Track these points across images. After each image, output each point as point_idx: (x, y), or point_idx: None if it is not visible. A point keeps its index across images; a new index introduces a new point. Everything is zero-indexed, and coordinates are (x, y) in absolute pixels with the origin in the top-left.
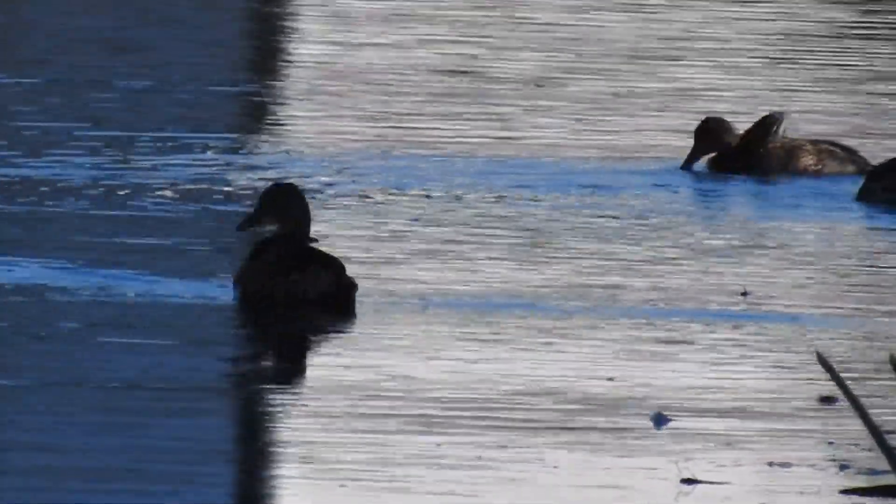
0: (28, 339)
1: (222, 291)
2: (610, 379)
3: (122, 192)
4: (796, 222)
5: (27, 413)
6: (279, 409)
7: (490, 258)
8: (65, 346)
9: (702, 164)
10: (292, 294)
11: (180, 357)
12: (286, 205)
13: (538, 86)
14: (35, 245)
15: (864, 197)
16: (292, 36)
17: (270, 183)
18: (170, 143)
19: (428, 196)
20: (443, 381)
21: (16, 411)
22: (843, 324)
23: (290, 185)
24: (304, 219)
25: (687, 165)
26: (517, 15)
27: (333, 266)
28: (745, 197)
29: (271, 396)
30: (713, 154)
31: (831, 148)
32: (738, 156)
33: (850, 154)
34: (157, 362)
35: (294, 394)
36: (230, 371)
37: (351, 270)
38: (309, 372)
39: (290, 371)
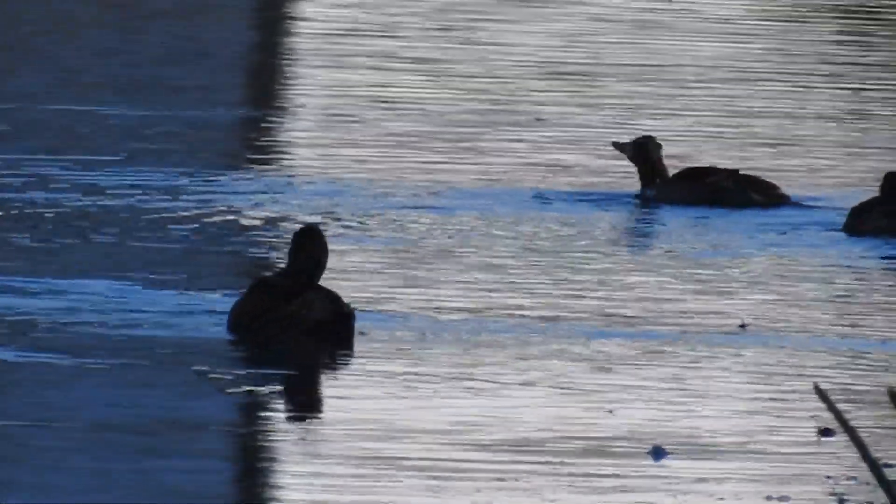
0: (22, 376)
1: (221, 325)
2: (610, 411)
3: (113, 224)
4: (784, 252)
5: (22, 452)
6: (278, 446)
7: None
8: (59, 382)
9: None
10: (289, 323)
11: (176, 394)
12: (308, 248)
13: (539, 119)
14: (32, 273)
15: (851, 228)
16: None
17: (300, 226)
18: (167, 173)
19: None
20: (439, 420)
21: (9, 451)
22: (842, 356)
23: (313, 228)
24: (319, 264)
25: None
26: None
27: (330, 295)
28: (722, 226)
29: (270, 435)
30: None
31: (750, 178)
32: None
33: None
34: (151, 399)
35: (294, 432)
36: (228, 408)
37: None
38: (309, 409)
39: (290, 408)
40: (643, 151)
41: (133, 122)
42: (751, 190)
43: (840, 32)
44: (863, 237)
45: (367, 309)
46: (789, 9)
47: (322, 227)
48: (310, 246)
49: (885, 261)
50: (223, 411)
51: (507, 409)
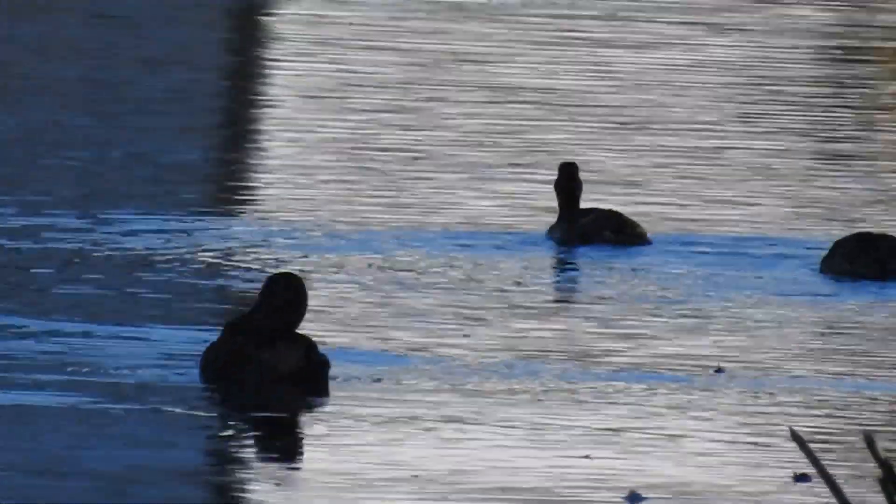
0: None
1: (192, 372)
2: (586, 456)
3: (91, 264)
4: (755, 294)
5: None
6: (250, 497)
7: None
8: (36, 429)
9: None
10: (261, 372)
11: (149, 443)
12: (282, 297)
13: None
14: (14, 311)
15: (828, 268)
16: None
17: (274, 273)
18: (141, 214)
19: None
20: (425, 465)
21: None
22: (817, 399)
23: (291, 277)
24: (297, 311)
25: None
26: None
27: (304, 343)
28: (684, 267)
29: (245, 486)
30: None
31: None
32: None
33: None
34: (121, 445)
35: (266, 481)
36: (202, 458)
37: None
38: (282, 457)
39: (262, 455)
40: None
41: (100, 163)
42: (608, 228)
43: None
44: (838, 275)
45: (346, 348)
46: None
47: (301, 271)
48: (283, 295)
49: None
50: (194, 458)
51: (482, 455)
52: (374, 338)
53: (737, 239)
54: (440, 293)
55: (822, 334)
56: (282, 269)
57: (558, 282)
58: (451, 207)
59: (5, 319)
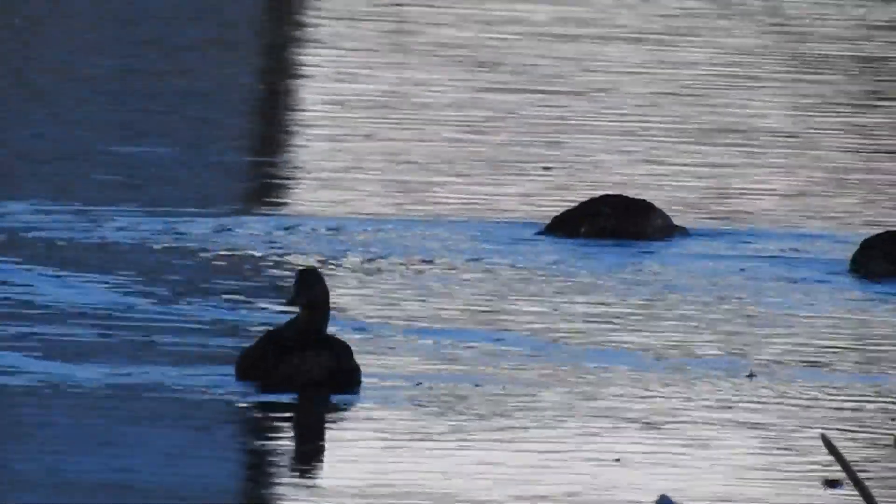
0: (22, 435)
1: (225, 379)
2: (616, 460)
3: (127, 260)
4: (787, 295)
5: None
6: None
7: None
8: (62, 441)
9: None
10: (291, 378)
11: (181, 456)
12: (313, 289)
13: (546, 168)
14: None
15: (859, 267)
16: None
17: (302, 267)
18: (170, 215)
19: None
20: (455, 474)
21: None
22: (850, 404)
23: (314, 269)
24: (324, 307)
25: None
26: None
27: (335, 348)
28: (715, 266)
29: (272, 494)
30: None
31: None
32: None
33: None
34: (155, 460)
35: (298, 493)
36: (234, 471)
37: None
38: (315, 467)
39: (298, 470)
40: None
41: (133, 160)
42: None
43: None
44: (871, 276)
45: (378, 353)
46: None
47: (324, 269)
48: (308, 288)
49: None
50: (222, 466)
51: (512, 463)
52: (407, 340)
53: (766, 234)
54: (471, 295)
55: (857, 338)
56: (308, 265)
57: (582, 273)
58: (479, 202)
59: (18, 321)
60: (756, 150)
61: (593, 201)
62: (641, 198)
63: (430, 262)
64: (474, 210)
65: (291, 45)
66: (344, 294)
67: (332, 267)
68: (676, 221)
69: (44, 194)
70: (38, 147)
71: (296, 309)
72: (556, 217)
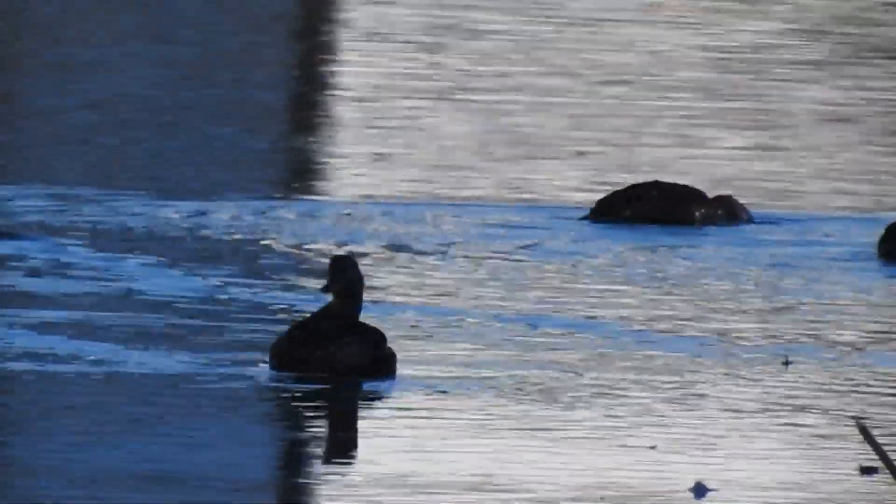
0: (50, 425)
1: (258, 368)
2: (653, 447)
3: (163, 248)
4: (823, 281)
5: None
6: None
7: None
8: (97, 433)
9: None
10: (326, 366)
11: (214, 445)
12: (347, 275)
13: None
14: (64, 309)
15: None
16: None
17: (335, 254)
18: (208, 202)
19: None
20: (489, 467)
21: None
22: (884, 391)
23: (348, 256)
24: (358, 293)
25: None
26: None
27: (371, 336)
28: (753, 251)
29: (315, 490)
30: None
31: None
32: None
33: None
34: (187, 449)
35: (341, 488)
36: (269, 460)
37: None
38: (354, 460)
39: (333, 459)
40: None
41: (166, 150)
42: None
43: None
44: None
45: (415, 338)
46: None
47: (358, 256)
48: (342, 274)
49: None
50: (255, 455)
51: (545, 450)
52: (445, 328)
53: (808, 219)
54: (509, 285)
55: (891, 323)
56: (342, 252)
57: (623, 257)
58: (513, 186)
59: (54, 308)
60: (793, 135)
61: (641, 186)
62: (683, 183)
63: (468, 246)
64: (511, 194)
65: (326, 29)
66: (378, 280)
67: (366, 253)
68: (714, 209)
69: (70, 180)
70: (70, 126)
71: (329, 296)
72: (600, 200)
